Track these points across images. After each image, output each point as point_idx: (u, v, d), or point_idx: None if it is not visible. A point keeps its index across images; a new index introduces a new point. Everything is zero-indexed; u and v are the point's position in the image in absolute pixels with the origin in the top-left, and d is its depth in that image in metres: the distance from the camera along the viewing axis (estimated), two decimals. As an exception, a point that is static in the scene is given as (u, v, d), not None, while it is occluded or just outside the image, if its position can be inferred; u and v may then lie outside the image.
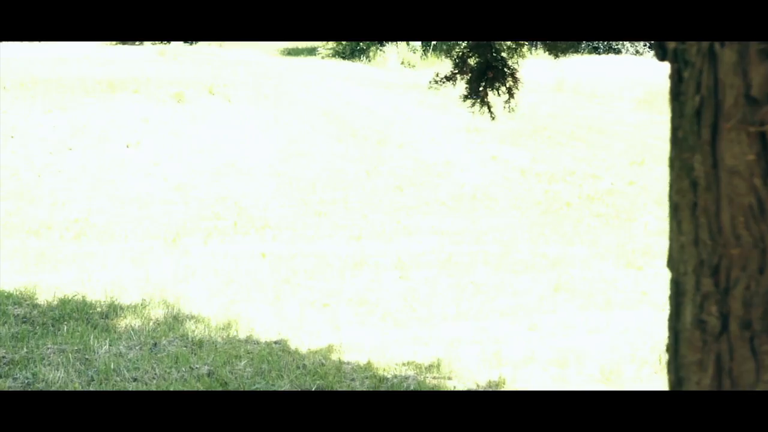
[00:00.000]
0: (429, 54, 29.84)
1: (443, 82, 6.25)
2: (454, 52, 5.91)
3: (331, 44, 30.08)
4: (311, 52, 30.80)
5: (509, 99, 6.05)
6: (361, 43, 29.49)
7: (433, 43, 30.13)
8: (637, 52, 33.25)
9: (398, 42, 29.31)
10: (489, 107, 6.11)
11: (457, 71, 5.93)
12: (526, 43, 5.63)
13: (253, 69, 21.29)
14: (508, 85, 5.94)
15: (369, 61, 28.79)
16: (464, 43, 5.80)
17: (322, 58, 29.27)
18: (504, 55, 5.81)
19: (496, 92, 5.98)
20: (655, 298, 9.63)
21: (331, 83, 21.36)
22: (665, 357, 5.95)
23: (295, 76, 21.28)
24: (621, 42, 31.05)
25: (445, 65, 23.27)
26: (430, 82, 6.32)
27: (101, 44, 26.09)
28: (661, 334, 7.99)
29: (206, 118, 16.35)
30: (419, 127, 18.53)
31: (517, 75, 5.97)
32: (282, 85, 19.65)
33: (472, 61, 5.85)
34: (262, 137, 16.17)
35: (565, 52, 5.45)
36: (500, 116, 11.85)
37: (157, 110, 16.08)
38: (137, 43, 28.92)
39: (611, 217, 13.87)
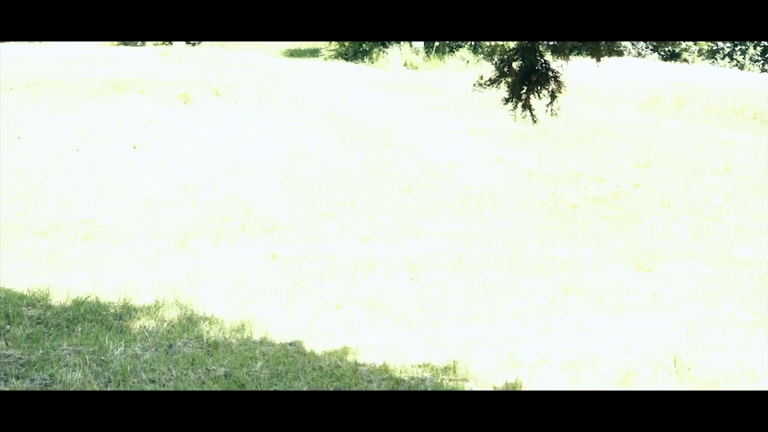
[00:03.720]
0: (431, 56, 29.84)
1: (487, 85, 6.22)
2: (497, 56, 5.89)
3: (334, 46, 30.08)
4: (314, 53, 30.80)
5: (551, 102, 6.04)
6: (363, 45, 29.49)
7: (436, 44, 30.14)
8: (639, 54, 33.25)
9: (401, 43, 29.32)
10: (531, 110, 6.09)
11: (500, 74, 5.90)
12: (569, 45, 5.62)
13: (257, 70, 21.29)
14: (550, 89, 5.92)
15: (371, 62, 28.79)
16: (509, 47, 5.78)
17: (325, 59, 29.27)
18: (548, 58, 5.79)
19: (537, 95, 5.96)
20: (666, 301, 9.64)
21: (334, 85, 21.36)
22: (680, 359, 5.89)
23: (299, 78, 21.28)
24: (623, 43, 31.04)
25: (447, 69, 23.22)
26: (474, 85, 6.27)
27: (104, 45, 26.06)
28: (674, 337, 7.95)
29: (212, 119, 16.33)
30: (424, 128, 18.51)
31: (560, 78, 5.95)
32: (286, 87, 19.64)
33: (516, 65, 5.83)
34: (268, 138, 16.15)
35: (609, 53, 5.43)
36: (504, 119, 11.86)
37: (163, 111, 16.06)
38: (139, 44, 28.91)
39: (618, 219, 13.86)
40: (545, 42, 5.89)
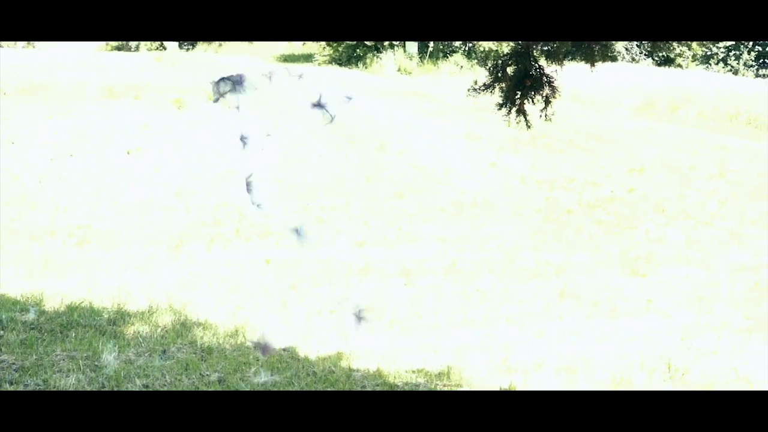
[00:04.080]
0: (425, 61, 29.84)
1: (481, 91, 6.22)
2: (491, 61, 5.90)
3: (328, 51, 30.05)
4: (308, 58, 30.78)
5: (545, 107, 6.05)
6: (357, 50, 29.48)
7: (430, 50, 30.15)
8: (633, 59, 33.31)
9: (395, 48, 29.33)
10: (525, 115, 6.10)
11: (494, 80, 5.90)
12: (563, 49, 5.62)
13: (251, 75, 21.25)
14: (544, 94, 5.93)
15: (365, 68, 28.77)
16: (503, 52, 5.80)
17: (319, 64, 29.24)
18: (542, 63, 5.80)
19: (531, 101, 5.97)
20: (660, 306, 9.65)
21: (328, 90, 21.32)
22: (674, 365, 5.89)
23: (292, 83, 21.24)
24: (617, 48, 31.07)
25: (441, 74, 23.18)
26: (468, 90, 6.26)
27: (98, 50, 26.04)
28: (668, 342, 7.95)
29: (206, 124, 16.31)
30: (418, 134, 18.52)
31: (555, 84, 5.96)
32: (280, 92, 19.62)
33: (510, 70, 5.83)
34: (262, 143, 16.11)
35: (603, 58, 5.44)
36: (498, 124, 11.82)
37: (157, 116, 16.05)
38: (133, 48, 28.90)
39: (612, 225, 13.87)
40: (539, 47, 5.89)
